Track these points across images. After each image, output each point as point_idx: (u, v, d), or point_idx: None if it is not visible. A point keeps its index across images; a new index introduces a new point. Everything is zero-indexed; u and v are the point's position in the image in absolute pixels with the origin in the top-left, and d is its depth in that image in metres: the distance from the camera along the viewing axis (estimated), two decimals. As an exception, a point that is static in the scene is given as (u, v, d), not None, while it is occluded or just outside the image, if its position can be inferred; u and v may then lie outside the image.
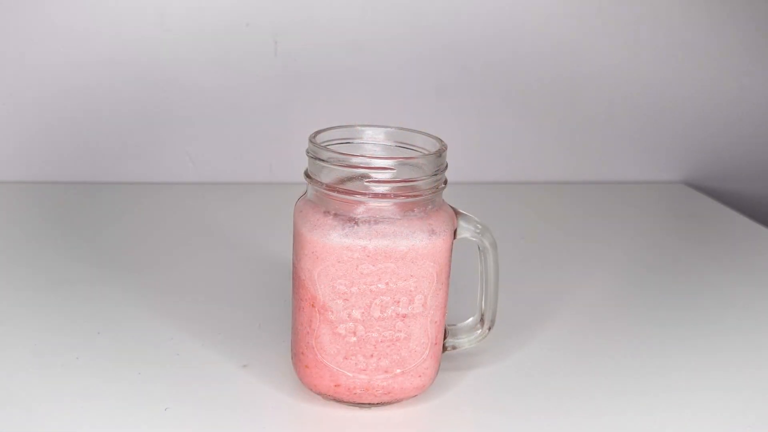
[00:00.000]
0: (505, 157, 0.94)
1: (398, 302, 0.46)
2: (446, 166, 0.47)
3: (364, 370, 0.47)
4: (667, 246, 0.78)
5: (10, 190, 0.83)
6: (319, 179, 0.46)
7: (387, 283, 0.45)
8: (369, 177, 0.45)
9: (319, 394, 0.48)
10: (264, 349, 0.54)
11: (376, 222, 0.45)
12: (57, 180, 0.87)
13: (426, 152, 0.48)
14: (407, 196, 0.45)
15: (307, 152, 0.47)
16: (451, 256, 0.48)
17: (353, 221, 0.45)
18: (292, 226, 0.48)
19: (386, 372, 0.47)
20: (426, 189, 0.46)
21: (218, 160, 0.89)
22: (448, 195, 0.49)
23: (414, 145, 0.49)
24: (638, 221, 0.85)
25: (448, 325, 0.52)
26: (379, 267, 0.45)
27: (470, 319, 0.53)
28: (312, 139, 0.47)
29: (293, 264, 0.48)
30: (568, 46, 0.90)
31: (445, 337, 0.51)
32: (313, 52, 0.86)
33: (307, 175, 0.47)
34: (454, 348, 0.52)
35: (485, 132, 0.93)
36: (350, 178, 0.46)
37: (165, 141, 0.88)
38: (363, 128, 0.50)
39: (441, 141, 0.47)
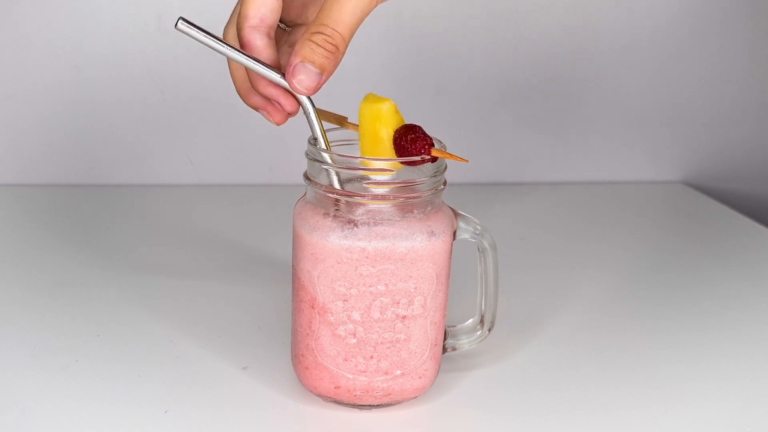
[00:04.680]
0: (505, 157, 0.94)
1: (398, 303, 0.46)
2: (445, 167, 0.47)
3: (364, 371, 0.47)
4: (667, 246, 0.77)
5: (10, 193, 0.83)
6: (318, 181, 0.46)
7: (386, 285, 0.45)
8: (368, 179, 0.45)
9: (319, 395, 0.48)
10: (264, 351, 0.54)
11: (376, 223, 0.45)
12: (56, 183, 0.86)
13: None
14: (406, 198, 0.45)
15: (307, 154, 0.47)
16: (450, 257, 0.48)
17: (353, 223, 0.45)
18: (291, 227, 0.48)
19: (386, 373, 0.47)
20: (425, 190, 0.46)
21: (218, 162, 0.89)
22: (447, 196, 0.49)
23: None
24: (638, 221, 0.85)
25: (448, 327, 0.52)
26: (378, 268, 0.45)
27: (470, 320, 0.53)
28: (311, 141, 0.47)
29: (293, 266, 0.48)
30: (568, 45, 0.90)
31: (445, 339, 0.51)
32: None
33: (306, 177, 0.47)
34: (454, 349, 0.52)
35: (485, 132, 0.93)
36: (350, 180, 0.46)
37: (164, 143, 0.88)
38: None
39: (440, 142, 0.47)
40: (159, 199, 0.84)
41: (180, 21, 0.43)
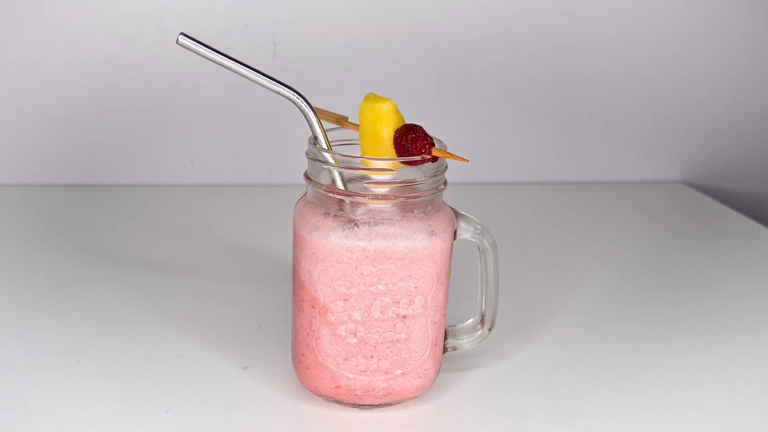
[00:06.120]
0: (505, 157, 0.94)
1: (398, 303, 0.46)
2: (446, 167, 0.47)
3: (365, 371, 0.47)
4: (667, 246, 0.77)
5: (10, 194, 0.83)
6: (318, 181, 0.46)
7: (387, 284, 0.45)
8: (369, 178, 0.45)
9: (320, 395, 0.48)
10: (264, 351, 0.54)
11: (376, 223, 0.45)
12: (56, 183, 0.86)
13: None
14: (407, 197, 0.45)
15: (307, 154, 0.47)
16: (451, 256, 0.48)
17: (353, 222, 0.45)
18: (292, 227, 0.48)
19: (387, 373, 0.47)
20: (426, 190, 0.46)
21: (218, 162, 0.89)
22: (447, 196, 0.49)
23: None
24: (638, 221, 0.85)
25: (449, 326, 0.52)
26: (378, 268, 0.45)
27: (470, 319, 0.53)
28: (312, 140, 0.47)
29: (293, 266, 0.48)
30: (568, 45, 0.90)
31: (445, 338, 0.51)
32: (312, 54, 0.86)
33: (306, 176, 0.47)
34: (454, 349, 0.52)
35: (485, 132, 0.93)
36: (350, 180, 0.46)
37: (164, 143, 0.87)
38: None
39: (440, 141, 0.47)
40: (159, 200, 0.84)
41: (181, 36, 0.43)
